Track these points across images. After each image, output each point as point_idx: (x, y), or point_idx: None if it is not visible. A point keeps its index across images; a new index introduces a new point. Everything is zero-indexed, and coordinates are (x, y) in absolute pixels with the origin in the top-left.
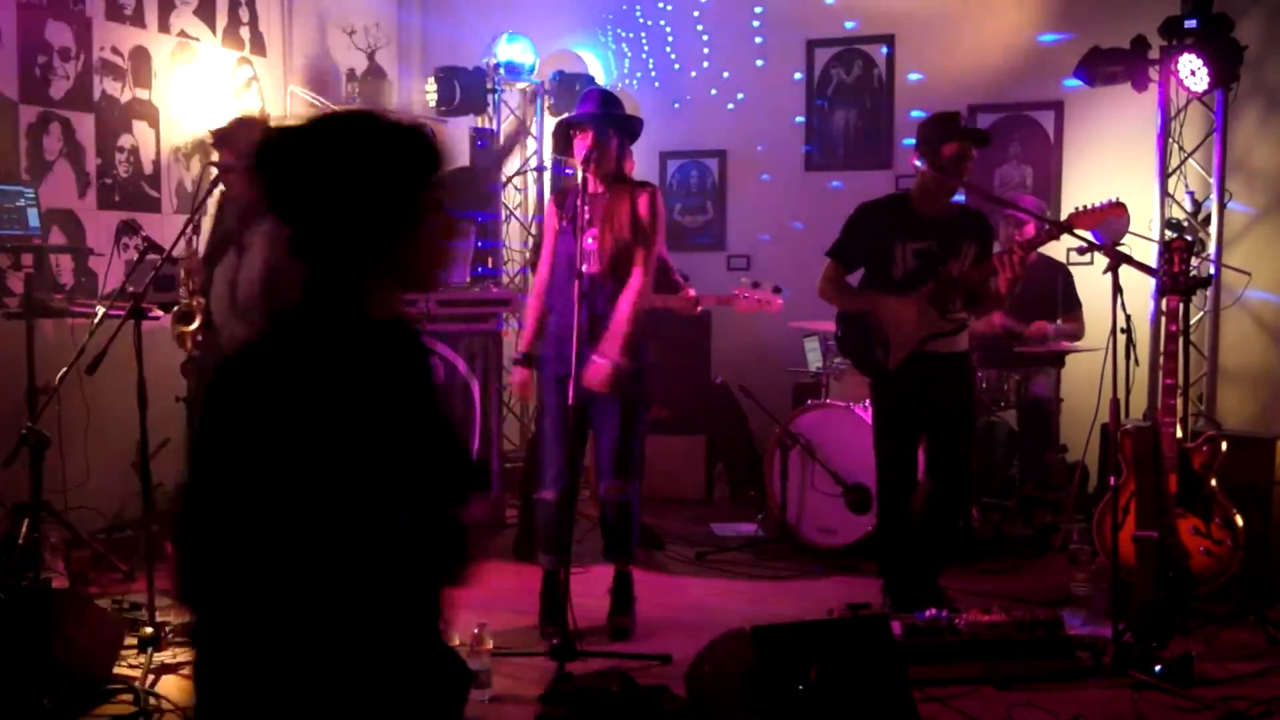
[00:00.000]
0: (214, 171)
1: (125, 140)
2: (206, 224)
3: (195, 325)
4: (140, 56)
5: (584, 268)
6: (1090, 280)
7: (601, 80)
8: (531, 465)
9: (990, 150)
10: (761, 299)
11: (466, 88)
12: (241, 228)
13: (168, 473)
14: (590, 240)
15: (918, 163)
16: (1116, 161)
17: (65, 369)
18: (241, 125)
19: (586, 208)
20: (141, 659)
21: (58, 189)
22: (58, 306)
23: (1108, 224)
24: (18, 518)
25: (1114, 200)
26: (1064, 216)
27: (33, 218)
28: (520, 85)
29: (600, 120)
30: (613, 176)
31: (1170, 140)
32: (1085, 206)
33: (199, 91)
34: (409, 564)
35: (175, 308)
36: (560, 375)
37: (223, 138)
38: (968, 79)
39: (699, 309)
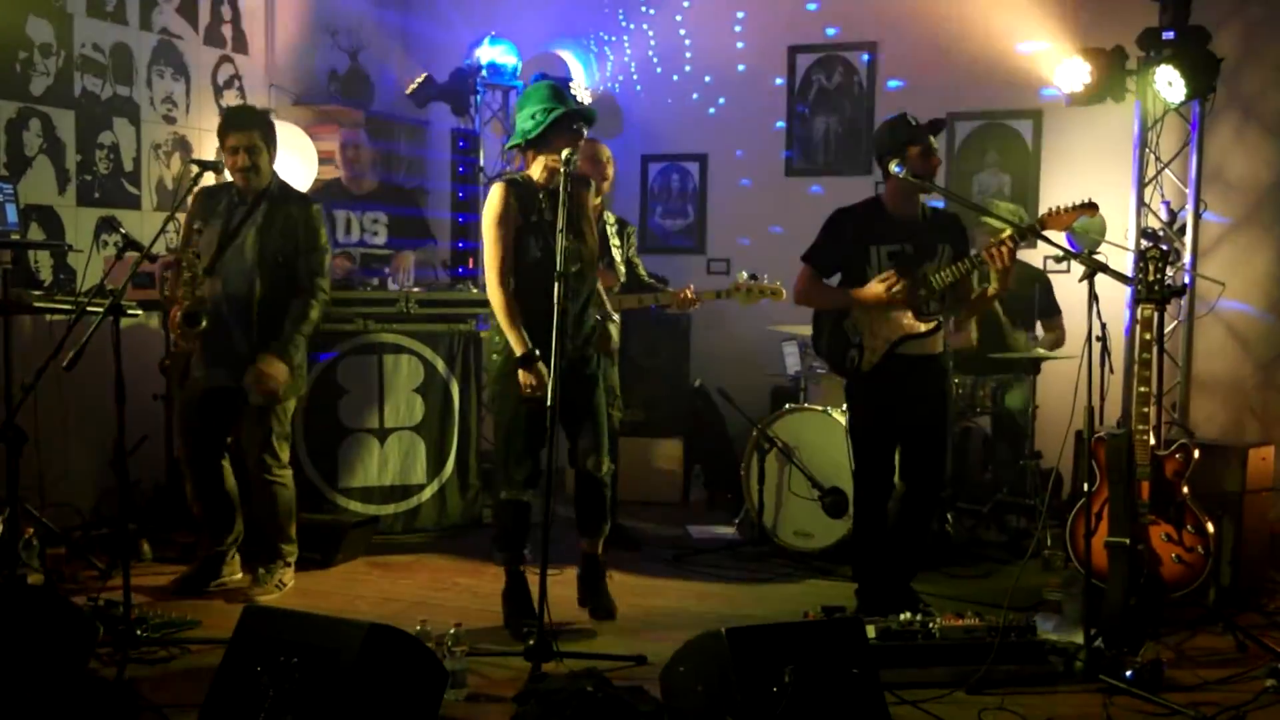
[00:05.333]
0: (195, 169)
1: (105, 137)
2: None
3: (203, 325)
4: (121, 53)
5: (572, 268)
6: (1066, 288)
7: (583, 83)
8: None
9: (968, 158)
10: (765, 289)
11: (448, 89)
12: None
13: (145, 470)
14: (571, 240)
15: (895, 168)
16: (1094, 171)
17: (43, 365)
18: (246, 112)
19: (563, 207)
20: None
21: (37, 185)
22: (36, 302)
23: (1085, 234)
24: None
25: (1086, 201)
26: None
27: (11, 214)
28: (502, 87)
29: (580, 116)
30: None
31: (1147, 150)
32: (1057, 208)
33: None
34: None
35: (183, 309)
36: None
37: (239, 123)
38: (947, 87)
39: (698, 305)
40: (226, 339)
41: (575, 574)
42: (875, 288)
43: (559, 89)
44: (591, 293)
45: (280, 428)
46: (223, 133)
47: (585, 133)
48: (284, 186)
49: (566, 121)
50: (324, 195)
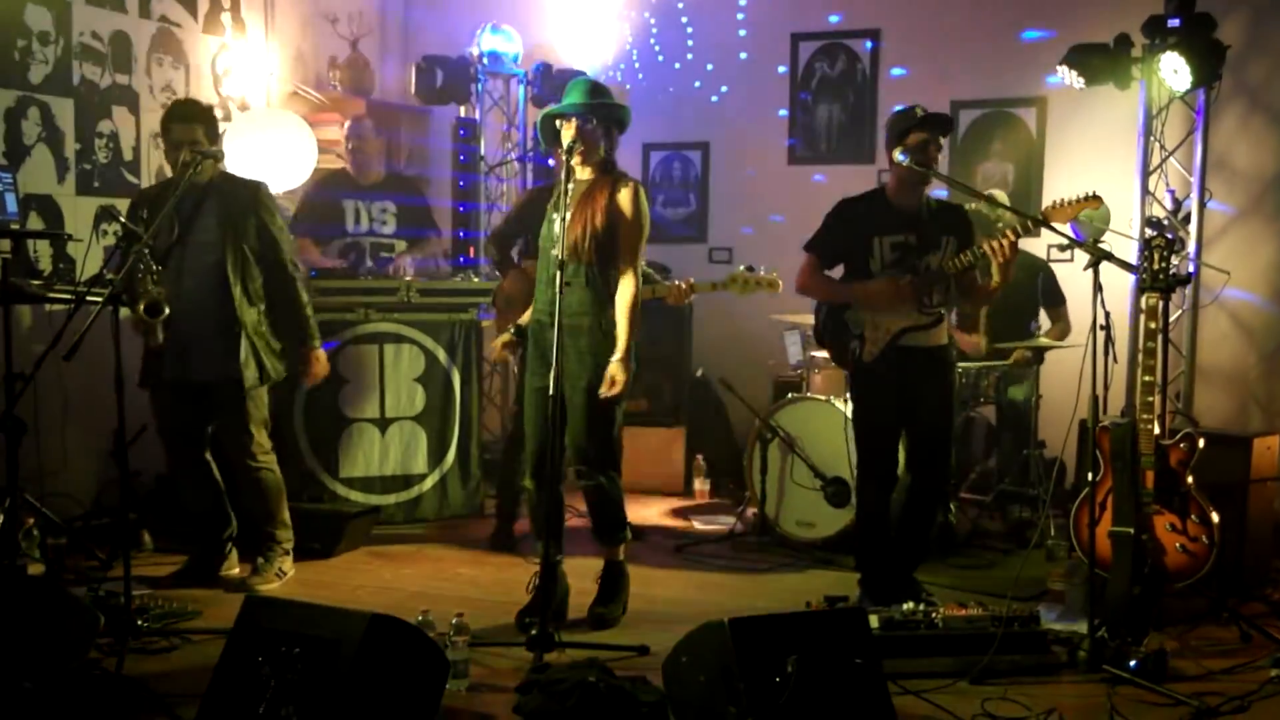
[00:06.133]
0: (198, 158)
1: (105, 126)
2: None
3: (166, 313)
4: (120, 41)
5: (556, 254)
6: (1071, 277)
7: (585, 71)
8: (510, 457)
9: (972, 147)
10: (762, 280)
11: (449, 77)
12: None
13: (145, 460)
14: (559, 226)
15: (900, 156)
16: (1098, 159)
17: (42, 355)
18: (189, 106)
19: (568, 196)
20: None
21: (36, 174)
22: (35, 292)
23: (1090, 223)
24: None
25: (1090, 194)
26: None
27: (11, 203)
28: (503, 75)
29: (585, 110)
30: (600, 166)
31: (1151, 139)
32: (1061, 200)
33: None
34: None
35: (144, 302)
36: (539, 361)
37: (181, 116)
38: (951, 75)
39: (692, 296)
40: (191, 331)
41: (573, 565)
42: (878, 288)
43: (568, 87)
44: (576, 282)
45: (258, 413)
46: (165, 124)
47: (576, 123)
48: (227, 175)
49: (546, 124)
50: (331, 185)
